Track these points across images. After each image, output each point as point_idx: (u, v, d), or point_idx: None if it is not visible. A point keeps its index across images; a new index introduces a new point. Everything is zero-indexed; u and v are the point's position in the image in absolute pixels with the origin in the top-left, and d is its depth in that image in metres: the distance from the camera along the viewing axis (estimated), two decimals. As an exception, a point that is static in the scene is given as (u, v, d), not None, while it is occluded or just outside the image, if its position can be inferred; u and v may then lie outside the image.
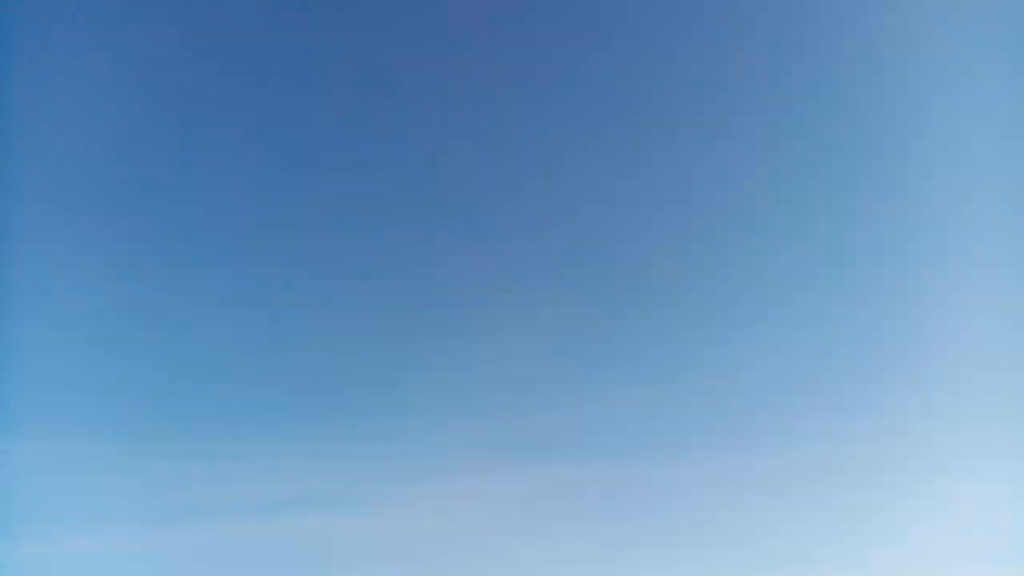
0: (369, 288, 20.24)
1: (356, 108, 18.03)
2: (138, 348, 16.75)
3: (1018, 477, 16.13)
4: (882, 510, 17.51)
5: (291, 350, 18.90)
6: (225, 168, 18.58)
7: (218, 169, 18.84)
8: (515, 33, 19.42)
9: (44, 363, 14.44)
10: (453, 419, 18.37)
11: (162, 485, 16.88)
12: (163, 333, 17.47)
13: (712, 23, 18.83)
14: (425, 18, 18.55)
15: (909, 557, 16.85)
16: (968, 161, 15.96)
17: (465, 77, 21.05)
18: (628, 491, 18.85)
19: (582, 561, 17.99)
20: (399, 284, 20.54)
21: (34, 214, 15.32)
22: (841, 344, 18.71)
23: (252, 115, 18.32)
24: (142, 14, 16.69)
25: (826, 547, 17.35)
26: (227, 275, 18.13)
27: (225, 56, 18.16)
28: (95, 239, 17.33)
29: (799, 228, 19.51)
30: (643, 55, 20.01)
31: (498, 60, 20.95)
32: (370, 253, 20.09)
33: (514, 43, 19.66)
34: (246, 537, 17.24)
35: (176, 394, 17.56)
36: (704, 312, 19.63)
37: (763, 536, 17.68)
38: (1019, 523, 15.72)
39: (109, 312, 17.00)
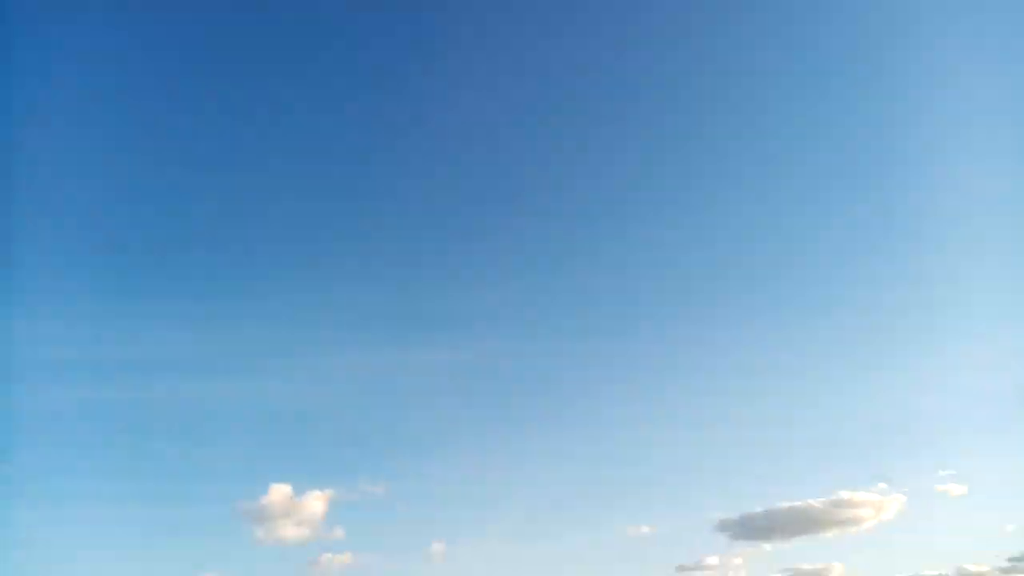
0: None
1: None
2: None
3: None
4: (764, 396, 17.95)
5: (185, 226, 18.73)
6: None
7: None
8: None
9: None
10: (342, 291, 18.32)
11: (30, 344, 16.53)
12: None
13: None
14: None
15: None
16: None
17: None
18: (515, 371, 18.97)
19: (454, 437, 18.05)
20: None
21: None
22: (752, 237, 19.22)
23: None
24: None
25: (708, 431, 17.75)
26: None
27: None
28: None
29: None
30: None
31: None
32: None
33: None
34: (122, 398, 17.00)
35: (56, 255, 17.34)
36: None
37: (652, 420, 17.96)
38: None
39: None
